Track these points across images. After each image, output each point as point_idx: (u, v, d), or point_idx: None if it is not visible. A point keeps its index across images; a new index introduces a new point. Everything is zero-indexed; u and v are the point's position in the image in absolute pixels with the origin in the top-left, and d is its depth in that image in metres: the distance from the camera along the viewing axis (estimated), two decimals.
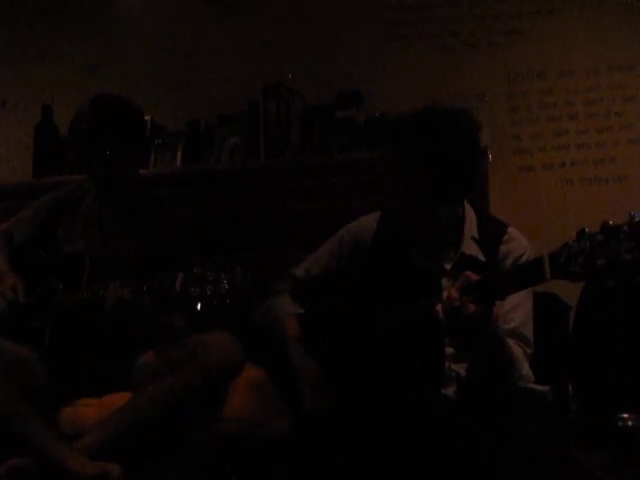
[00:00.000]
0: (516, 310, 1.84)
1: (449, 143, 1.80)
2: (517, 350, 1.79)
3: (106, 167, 2.29)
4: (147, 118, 3.16)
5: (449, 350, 1.83)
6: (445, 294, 1.60)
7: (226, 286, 1.85)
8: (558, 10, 3.23)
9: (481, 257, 1.90)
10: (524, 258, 1.89)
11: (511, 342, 1.78)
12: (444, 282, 1.88)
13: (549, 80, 3.22)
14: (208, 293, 1.86)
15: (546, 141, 3.21)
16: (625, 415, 2.06)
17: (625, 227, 1.31)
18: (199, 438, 2.08)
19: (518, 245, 1.92)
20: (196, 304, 1.88)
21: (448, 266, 1.92)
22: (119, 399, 2.12)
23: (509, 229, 1.96)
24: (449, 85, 3.20)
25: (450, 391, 1.83)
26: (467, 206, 1.98)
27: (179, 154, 3.18)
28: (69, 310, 2.22)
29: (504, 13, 3.26)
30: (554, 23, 3.23)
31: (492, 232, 1.94)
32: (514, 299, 1.75)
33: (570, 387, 2.29)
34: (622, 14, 3.16)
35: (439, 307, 1.61)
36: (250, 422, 2.11)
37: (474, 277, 1.59)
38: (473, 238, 1.92)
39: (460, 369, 1.84)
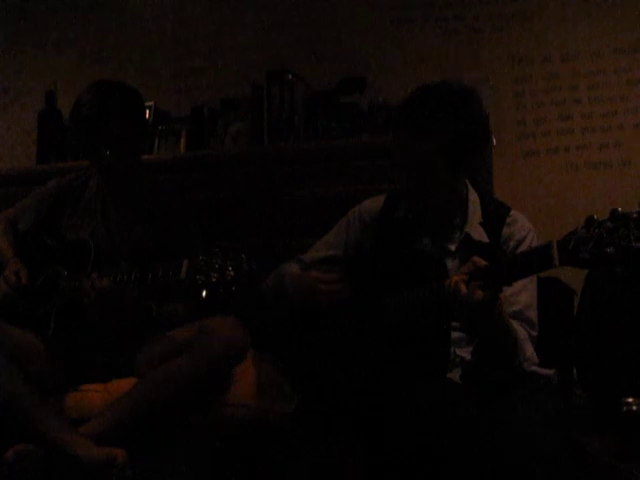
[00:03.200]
0: (521, 293, 1.85)
1: (442, 116, 1.80)
2: (522, 332, 1.81)
3: (108, 154, 2.28)
4: (151, 104, 3.16)
5: (455, 334, 1.84)
6: (452, 279, 1.60)
7: (232, 273, 1.84)
8: None
9: (485, 239, 1.91)
10: (527, 240, 1.90)
11: (516, 324, 1.79)
12: (449, 263, 1.89)
13: (553, 64, 3.20)
14: (214, 280, 1.86)
15: (550, 125, 3.19)
16: (630, 399, 2.05)
17: (634, 214, 1.31)
18: (204, 423, 2.09)
19: (521, 227, 1.93)
20: (201, 291, 1.88)
21: (452, 247, 1.93)
22: (125, 385, 2.12)
23: (512, 212, 1.97)
24: (453, 70, 3.18)
25: (455, 375, 1.84)
26: (470, 188, 1.99)
27: (183, 140, 3.17)
28: (73, 296, 2.23)
29: None
30: (558, 7, 3.20)
31: (495, 214, 1.95)
32: (519, 282, 1.75)
33: (574, 371, 2.29)
34: None
35: (445, 292, 1.61)
36: (254, 407, 2.12)
37: (482, 263, 1.60)
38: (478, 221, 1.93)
39: (465, 353, 1.85)
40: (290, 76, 3.00)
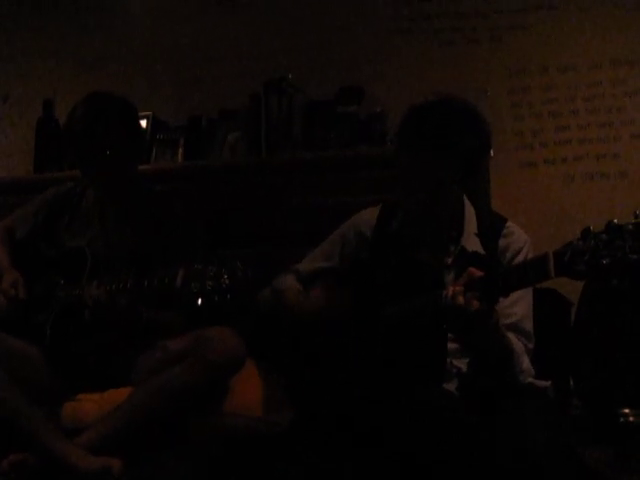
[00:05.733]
0: (516, 305, 1.85)
1: (445, 130, 1.81)
2: (517, 344, 1.81)
3: (102, 168, 2.28)
4: (149, 113, 3.17)
5: (451, 345, 1.84)
6: (449, 290, 1.60)
7: (227, 281, 1.85)
8: (560, 5, 3.21)
9: (481, 251, 1.91)
10: (523, 251, 1.90)
11: (512, 336, 1.79)
12: (445, 276, 1.89)
13: (551, 75, 3.21)
14: (209, 288, 1.86)
15: (548, 136, 3.20)
16: (626, 410, 2.06)
17: (630, 226, 1.32)
18: (201, 432, 2.08)
19: (517, 239, 1.94)
20: (197, 300, 1.88)
21: (449, 260, 1.93)
22: (121, 394, 2.12)
23: (508, 223, 1.98)
24: (450, 80, 3.19)
25: (452, 386, 1.83)
26: (466, 201, 1.99)
27: (180, 149, 3.18)
28: (70, 306, 2.23)
29: (506, 8, 3.25)
30: (556, 18, 3.21)
31: (491, 226, 1.96)
32: (515, 294, 1.74)
33: (571, 382, 2.30)
34: (624, 9, 3.15)
35: (442, 303, 1.61)
36: (252, 416, 2.11)
37: (478, 274, 1.60)
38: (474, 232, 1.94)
39: (462, 364, 1.85)
40: (288, 86, 3.01)
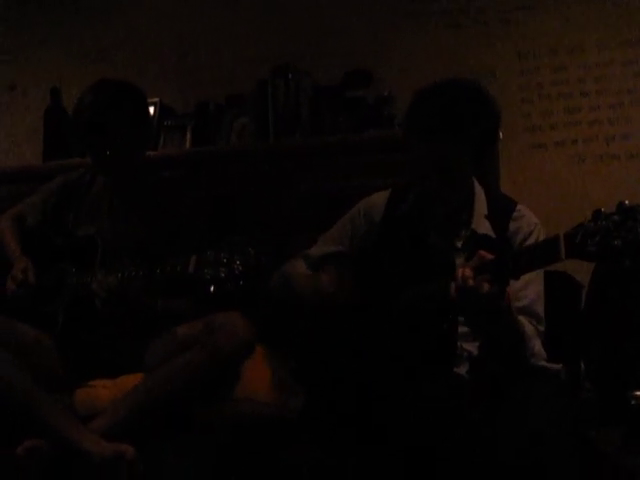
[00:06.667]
0: (527, 288, 1.84)
1: (451, 111, 1.78)
2: (529, 327, 1.80)
3: (110, 155, 2.28)
4: (156, 100, 3.16)
5: (461, 329, 1.83)
6: (460, 273, 1.60)
7: (239, 268, 1.85)
8: None
9: (491, 234, 1.90)
10: (534, 235, 1.90)
11: (523, 319, 1.79)
12: (456, 260, 1.89)
13: (560, 57, 3.19)
14: (222, 275, 1.86)
15: (557, 118, 3.18)
16: (637, 393, 2.05)
17: None
18: (211, 417, 2.09)
19: (527, 222, 1.93)
20: (209, 287, 1.89)
21: (459, 244, 1.92)
22: (133, 380, 2.13)
23: (518, 206, 1.97)
24: (459, 63, 3.17)
25: (462, 370, 1.83)
26: (476, 183, 1.98)
27: (188, 136, 3.17)
28: (81, 294, 2.23)
29: None
30: None
31: (502, 209, 1.95)
32: (525, 277, 1.74)
33: (582, 365, 2.29)
34: None
35: (453, 286, 1.61)
36: (262, 402, 2.12)
37: (489, 256, 1.60)
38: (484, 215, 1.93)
39: (472, 348, 1.85)
40: (295, 71, 3.00)
